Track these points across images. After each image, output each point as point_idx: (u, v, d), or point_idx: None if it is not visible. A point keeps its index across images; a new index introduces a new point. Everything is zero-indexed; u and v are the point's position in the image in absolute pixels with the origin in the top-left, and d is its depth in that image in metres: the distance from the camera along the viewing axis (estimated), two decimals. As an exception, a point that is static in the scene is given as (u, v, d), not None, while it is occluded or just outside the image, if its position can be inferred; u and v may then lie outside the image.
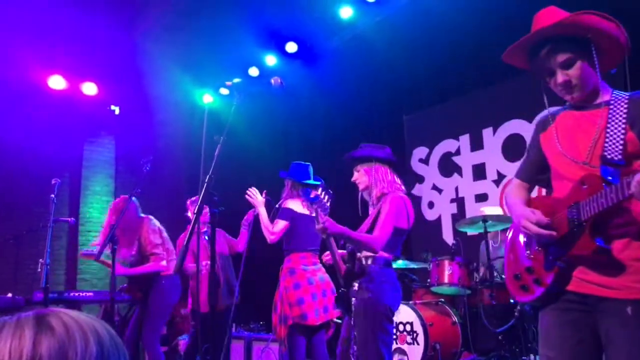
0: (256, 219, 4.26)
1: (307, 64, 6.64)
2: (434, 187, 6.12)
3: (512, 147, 5.37)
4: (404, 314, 4.43)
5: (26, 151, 6.61)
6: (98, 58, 6.58)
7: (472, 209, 5.54)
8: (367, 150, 3.10)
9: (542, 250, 1.81)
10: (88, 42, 6.20)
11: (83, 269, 6.96)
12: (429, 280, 4.73)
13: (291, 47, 6.50)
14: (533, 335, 3.99)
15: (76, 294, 4.36)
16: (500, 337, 4.20)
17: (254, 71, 6.88)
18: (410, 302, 4.67)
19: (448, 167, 5.98)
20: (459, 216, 5.62)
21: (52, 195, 4.06)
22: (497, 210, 4.76)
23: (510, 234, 2.02)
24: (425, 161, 6.25)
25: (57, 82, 6.75)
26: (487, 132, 5.65)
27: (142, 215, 4.37)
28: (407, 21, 5.60)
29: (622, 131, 1.70)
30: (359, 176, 3.08)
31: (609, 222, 1.66)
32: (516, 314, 3.96)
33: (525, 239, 1.90)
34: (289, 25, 6.34)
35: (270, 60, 6.75)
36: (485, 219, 4.35)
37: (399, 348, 4.41)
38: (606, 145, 1.70)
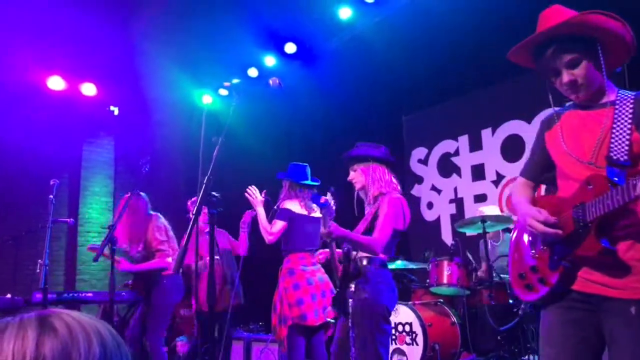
0: (254, 220, 4.26)
1: (306, 65, 6.64)
2: (433, 188, 6.12)
3: (511, 148, 5.38)
4: (403, 314, 4.43)
5: (25, 152, 6.60)
6: (97, 59, 6.58)
7: (471, 210, 5.54)
8: (364, 149, 3.10)
9: (547, 249, 1.81)
10: (87, 43, 6.19)
11: (82, 269, 6.96)
12: (428, 280, 4.73)
13: (290, 47, 6.50)
14: (532, 336, 3.99)
15: (75, 295, 4.36)
16: (499, 338, 4.20)
17: (253, 72, 6.88)
18: (410, 302, 4.67)
19: (447, 167, 5.98)
20: (458, 216, 5.62)
21: (51, 196, 4.05)
22: (495, 210, 4.77)
23: (514, 234, 2.02)
24: (424, 162, 6.26)
25: (56, 83, 6.74)
26: (486, 133, 5.65)
27: (151, 212, 4.43)
28: (406, 22, 5.60)
29: (628, 131, 1.70)
30: (356, 175, 3.08)
31: (614, 223, 1.67)
32: (520, 312, 3.95)
33: (530, 238, 1.91)
34: (288, 26, 6.34)
35: (270, 61, 6.75)
36: (484, 219, 4.35)
37: (398, 348, 4.41)
38: (612, 145, 1.70)
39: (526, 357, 4.05)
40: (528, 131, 5.24)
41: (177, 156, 7.62)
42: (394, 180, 3.06)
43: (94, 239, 7.00)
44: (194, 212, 2.39)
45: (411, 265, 4.95)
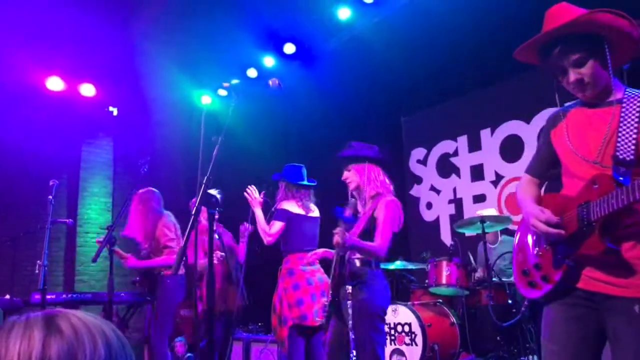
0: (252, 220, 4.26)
1: (305, 65, 6.64)
2: (432, 188, 6.12)
3: (510, 148, 5.38)
4: (403, 314, 4.43)
5: (24, 152, 6.59)
6: (96, 59, 6.57)
7: (470, 210, 5.55)
8: (358, 149, 3.11)
9: (550, 248, 1.82)
10: (86, 43, 6.19)
11: (81, 270, 6.94)
12: (427, 281, 4.74)
13: (289, 48, 6.50)
14: (531, 336, 4.00)
15: (74, 296, 4.35)
16: (498, 338, 4.20)
17: (252, 72, 6.88)
18: (409, 303, 4.67)
19: (446, 168, 5.99)
20: (457, 217, 5.63)
21: (50, 197, 4.05)
22: (493, 213, 4.77)
23: (518, 232, 2.03)
24: (423, 162, 6.26)
25: (55, 84, 6.73)
26: (485, 133, 5.66)
27: (163, 211, 4.49)
28: (405, 22, 5.61)
29: (635, 130, 1.69)
30: (350, 175, 3.08)
31: (618, 223, 1.67)
32: (522, 308, 3.95)
33: (534, 237, 1.91)
34: (287, 27, 6.34)
35: (269, 61, 6.75)
36: (483, 219, 4.36)
37: (398, 349, 4.41)
38: (618, 145, 1.70)
39: (525, 357, 4.06)
40: (527, 131, 5.24)
41: (176, 157, 7.61)
42: (387, 180, 3.08)
43: (93, 240, 6.99)
44: (193, 213, 2.38)
45: (410, 266, 4.95)
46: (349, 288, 2.79)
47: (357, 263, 2.92)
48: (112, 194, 7.40)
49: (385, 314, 2.91)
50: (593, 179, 1.71)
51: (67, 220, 4.99)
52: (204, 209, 2.33)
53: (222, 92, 7.06)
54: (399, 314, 4.46)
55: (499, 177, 5.48)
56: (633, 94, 1.78)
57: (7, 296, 4.19)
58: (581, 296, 1.75)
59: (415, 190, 6.28)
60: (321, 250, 3.35)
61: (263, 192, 4.11)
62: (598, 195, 1.66)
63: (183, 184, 7.45)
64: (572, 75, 1.76)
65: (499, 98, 5.54)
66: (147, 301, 4.37)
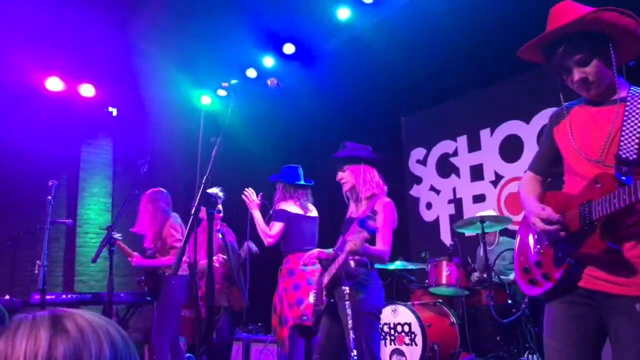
0: (251, 222, 4.26)
1: (304, 66, 6.63)
2: (432, 188, 6.12)
3: (510, 148, 5.38)
4: (402, 314, 4.43)
5: (24, 153, 6.59)
6: (96, 60, 6.57)
7: (470, 210, 5.55)
8: (353, 150, 3.11)
9: (552, 246, 1.82)
10: (86, 43, 6.18)
11: (80, 270, 6.94)
12: (427, 281, 4.73)
13: (289, 48, 6.49)
14: (531, 336, 4.00)
15: (74, 296, 4.36)
16: (498, 338, 4.20)
17: (251, 72, 6.87)
18: (409, 303, 4.67)
19: (446, 168, 5.99)
20: (457, 217, 5.63)
21: (50, 197, 4.05)
22: (492, 214, 4.76)
23: (521, 230, 2.03)
24: (422, 162, 6.26)
25: (54, 84, 6.73)
26: (484, 133, 5.66)
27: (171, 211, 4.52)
28: (405, 23, 5.60)
29: (639, 130, 1.69)
30: (345, 176, 3.09)
31: (620, 223, 1.67)
32: (523, 305, 3.95)
33: (535, 235, 1.91)
34: (286, 27, 6.34)
35: (268, 61, 6.74)
36: (482, 219, 4.36)
37: (397, 349, 4.41)
38: (622, 144, 1.70)
39: (525, 357, 4.05)
40: (527, 131, 5.25)
41: (175, 157, 7.60)
42: (382, 181, 3.08)
43: (92, 240, 6.99)
44: (192, 213, 2.38)
45: (410, 266, 4.95)
46: (347, 289, 2.79)
47: (353, 264, 2.93)
48: (111, 194, 7.39)
49: (380, 312, 2.95)
50: (595, 178, 1.71)
51: (67, 221, 5.00)
52: (203, 208, 2.33)
53: (222, 93, 7.06)
54: (398, 314, 4.46)
55: (498, 177, 5.48)
56: (637, 92, 1.77)
57: (7, 296, 4.20)
58: (582, 294, 1.75)
59: (415, 190, 6.28)
60: (316, 250, 3.35)
61: (260, 194, 4.12)
62: (600, 194, 1.66)
63: (182, 184, 7.45)
64: (577, 74, 1.76)
65: (499, 98, 5.54)
66: (147, 301, 4.38)
